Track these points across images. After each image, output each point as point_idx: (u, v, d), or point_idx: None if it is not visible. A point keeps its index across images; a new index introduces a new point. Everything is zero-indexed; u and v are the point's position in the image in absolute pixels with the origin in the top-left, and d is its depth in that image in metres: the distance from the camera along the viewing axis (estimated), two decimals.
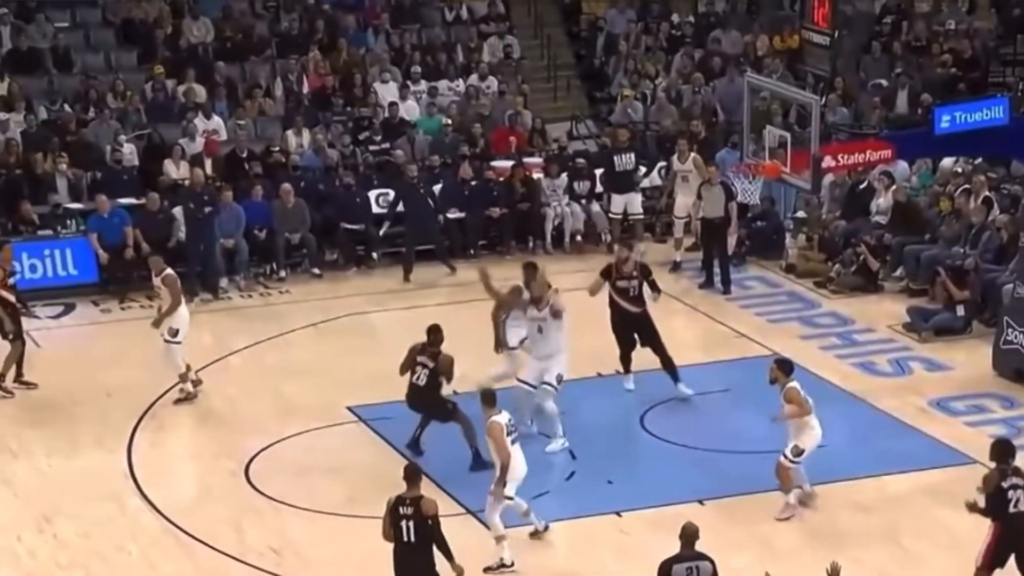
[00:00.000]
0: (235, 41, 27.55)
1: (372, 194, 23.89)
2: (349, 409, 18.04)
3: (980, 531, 13.35)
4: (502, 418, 14.60)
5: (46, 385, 18.99)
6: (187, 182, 23.10)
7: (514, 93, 27.08)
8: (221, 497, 16.07)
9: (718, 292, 22.24)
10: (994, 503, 13.14)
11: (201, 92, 25.90)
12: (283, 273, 23.06)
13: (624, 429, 17.65)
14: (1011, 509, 13.10)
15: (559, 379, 16.93)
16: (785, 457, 15.40)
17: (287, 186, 23.11)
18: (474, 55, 28.33)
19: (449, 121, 25.98)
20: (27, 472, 16.85)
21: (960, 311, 20.53)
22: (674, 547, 13.57)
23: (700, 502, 15.69)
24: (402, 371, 16.42)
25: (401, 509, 12.82)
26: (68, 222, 22.81)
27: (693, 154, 23.40)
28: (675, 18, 29.67)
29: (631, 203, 23.87)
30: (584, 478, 16.56)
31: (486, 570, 14.55)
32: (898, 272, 22.47)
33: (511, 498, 14.70)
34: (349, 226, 23.46)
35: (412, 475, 13.05)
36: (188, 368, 18.46)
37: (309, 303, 22.03)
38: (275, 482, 16.24)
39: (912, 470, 16.50)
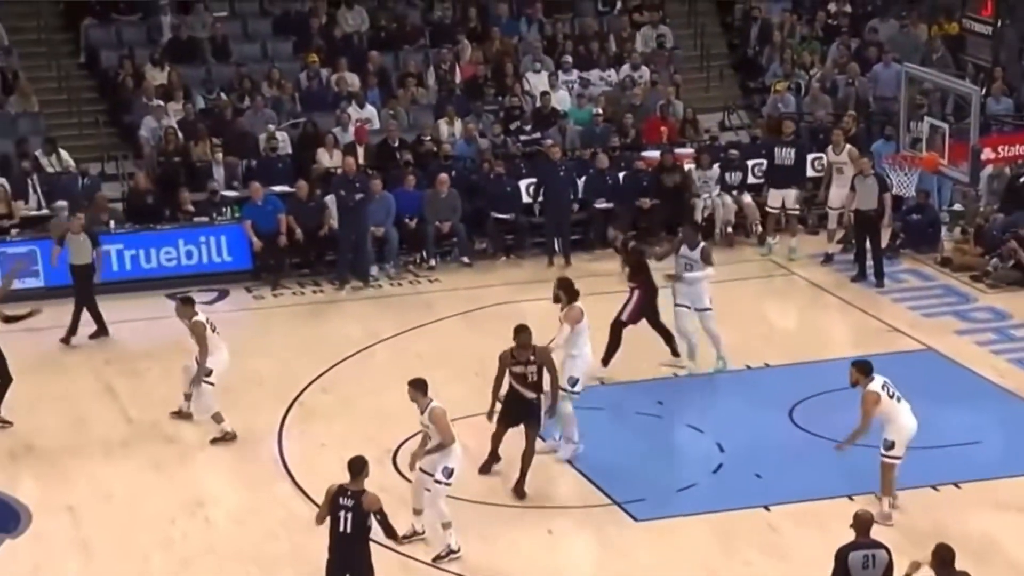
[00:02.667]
0: (389, 30, 27.78)
1: (522, 184, 23.94)
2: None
3: None
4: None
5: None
6: (339, 170, 23.32)
7: (666, 83, 26.96)
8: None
9: (871, 285, 21.94)
10: None
11: (355, 81, 26.15)
12: (433, 262, 23.19)
13: (773, 423, 17.48)
14: None
15: (573, 382, 16.58)
16: (881, 453, 15.16)
17: (444, 176, 23.22)
18: (627, 45, 28.24)
19: (600, 111, 25.94)
20: (180, 457, 17.13)
21: None
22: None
23: (849, 497, 15.50)
24: (495, 388, 15.92)
25: (341, 499, 12.82)
26: (224, 209, 23.17)
27: (848, 145, 23.09)
28: (831, 7, 29.32)
29: (788, 198, 23.57)
30: (732, 471, 16.45)
31: (435, 559, 14.64)
32: None
33: (449, 483, 14.70)
34: (499, 215, 23.53)
35: (357, 468, 12.96)
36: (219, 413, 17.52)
37: (458, 292, 22.14)
38: None
39: None
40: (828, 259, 23.00)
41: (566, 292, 16.89)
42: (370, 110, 25.50)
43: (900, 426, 15.11)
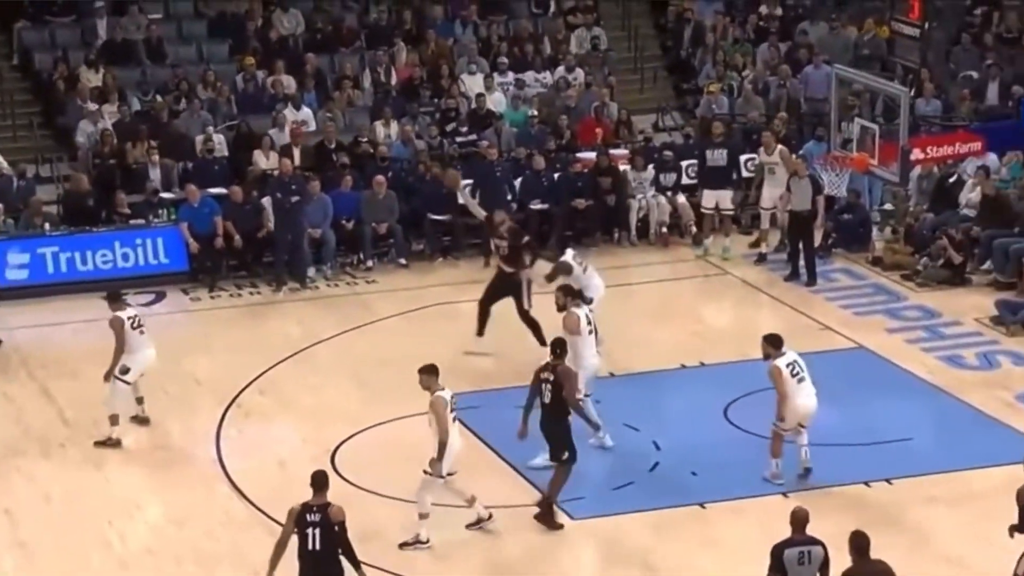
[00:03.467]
0: (325, 32, 27.73)
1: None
2: None
3: None
4: (446, 394, 14.68)
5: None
6: (276, 172, 23.23)
7: (601, 84, 27.04)
8: (307, 485, 16.13)
9: (803, 284, 22.05)
10: None
11: (291, 83, 26.07)
12: (370, 263, 23.15)
13: (708, 421, 17.57)
14: None
15: None
16: (773, 421, 15.80)
17: (380, 178, 23.17)
18: (561, 46, 28.31)
19: (535, 113, 25.98)
20: (118, 457, 17.03)
21: None
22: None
23: (784, 495, 15.61)
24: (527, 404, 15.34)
25: (308, 516, 12.59)
26: (160, 211, 23.04)
27: (779, 146, 23.22)
28: (763, 9, 29.49)
29: (722, 199, 23.60)
30: (668, 469, 16.52)
31: (402, 545, 14.76)
32: (986, 265, 22.19)
33: (452, 473, 14.77)
34: (436, 217, 23.52)
35: (320, 481, 12.80)
36: (117, 419, 17.22)
37: (396, 293, 22.11)
38: (361, 470, 16.31)
39: (998, 465, 16.29)
40: (761, 259, 23.12)
41: (572, 299, 16.96)
42: (306, 112, 25.42)
43: (794, 405, 15.62)
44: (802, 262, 22.20)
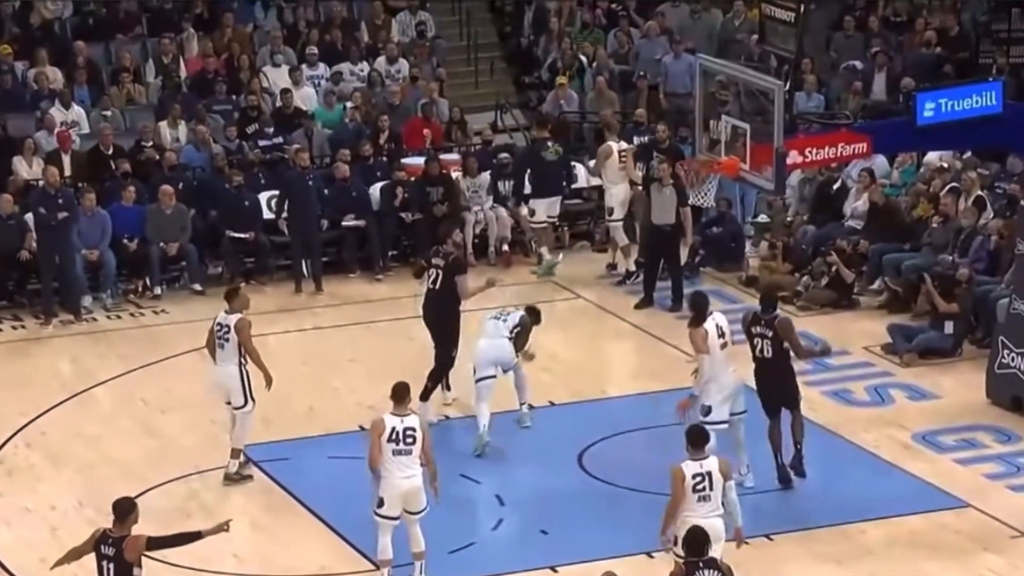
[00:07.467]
0: (98, 17, 27.57)
1: (263, 197, 23.88)
2: None
3: None
4: (393, 419, 14.82)
5: None
6: (40, 183, 22.98)
7: (428, 78, 27.17)
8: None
9: (664, 309, 22.25)
10: None
11: (57, 76, 25.85)
12: (158, 290, 23.03)
13: (560, 470, 17.68)
14: None
15: (706, 411, 16.69)
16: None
17: (168, 188, 23.06)
18: (381, 33, 28.39)
19: (356, 106, 26.00)
20: None
21: (948, 329, 20.72)
22: None
23: (648, 555, 15.76)
24: None
25: (103, 547, 12.66)
26: None
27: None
28: None
29: (552, 207, 23.99)
30: (513, 527, 16.61)
31: None
32: (876, 285, 22.65)
33: (395, 518, 14.92)
34: (236, 234, 23.43)
35: (123, 510, 12.83)
36: None
37: (190, 324, 21.91)
38: None
39: (893, 515, 16.65)
40: (613, 267, 23.48)
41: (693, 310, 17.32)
42: (77, 111, 25.25)
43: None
44: (660, 285, 22.39)
